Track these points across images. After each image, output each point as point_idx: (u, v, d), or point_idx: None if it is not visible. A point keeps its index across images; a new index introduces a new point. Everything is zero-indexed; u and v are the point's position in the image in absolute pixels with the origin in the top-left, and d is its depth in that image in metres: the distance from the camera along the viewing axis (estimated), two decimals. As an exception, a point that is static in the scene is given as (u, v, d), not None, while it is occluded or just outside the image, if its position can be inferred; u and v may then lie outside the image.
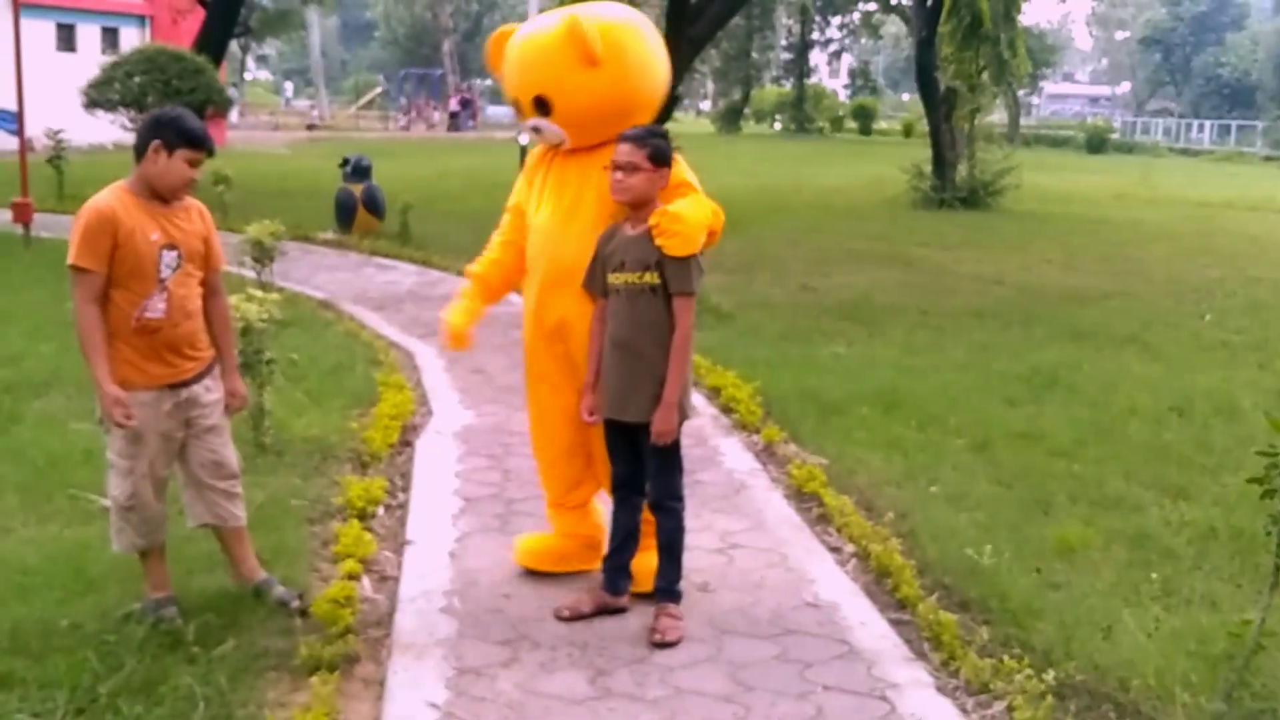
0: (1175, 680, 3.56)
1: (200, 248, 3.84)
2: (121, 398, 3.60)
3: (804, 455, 5.94)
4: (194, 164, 3.74)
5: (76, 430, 5.72)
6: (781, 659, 3.81)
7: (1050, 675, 3.61)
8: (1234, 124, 55.17)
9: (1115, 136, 51.27)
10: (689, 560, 4.19)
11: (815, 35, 60.94)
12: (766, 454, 6.04)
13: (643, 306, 3.91)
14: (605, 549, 4.18)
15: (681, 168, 4.04)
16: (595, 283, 4.02)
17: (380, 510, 5.08)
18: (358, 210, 13.81)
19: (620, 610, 4.08)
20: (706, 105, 70.29)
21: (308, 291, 10.20)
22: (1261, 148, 48.08)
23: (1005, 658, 3.75)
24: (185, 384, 3.82)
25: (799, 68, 58.09)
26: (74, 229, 3.67)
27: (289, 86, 70.86)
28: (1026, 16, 25.55)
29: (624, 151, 3.89)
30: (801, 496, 5.39)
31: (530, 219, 4.21)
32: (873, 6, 54.70)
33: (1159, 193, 24.65)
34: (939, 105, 21.44)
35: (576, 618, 4.03)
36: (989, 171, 20.85)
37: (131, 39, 29.11)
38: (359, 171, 13.91)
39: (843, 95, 67.05)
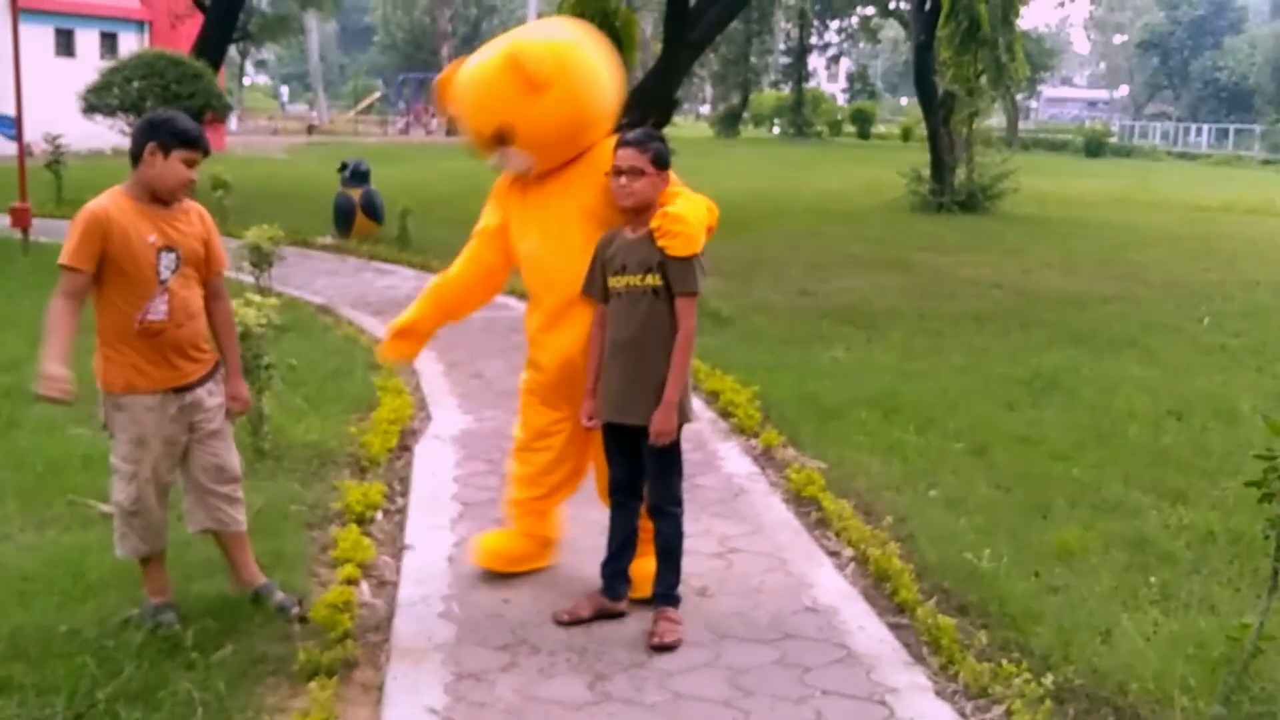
0: (1174, 684, 3.56)
1: (199, 250, 3.84)
2: (59, 376, 3.50)
3: (803, 459, 5.94)
4: (191, 164, 3.75)
5: (75, 436, 5.72)
6: (780, 663, 3.81)
7: (1049, 679, 3.61)
8: (1232, 128, 55.23)
9: (1113, 140, 51.38)
10: (687, 565, 4.19)
11: (813, 39, 61.05)
12: (765, 458, 6.05)
13: (645, 308, 3.92)
14: (605, 553, 4.18)
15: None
16: (594, 287, 4.02)
17: (379, 515, 5.08)
18: (356, 215, 13.82)
19: (619, 615, 4.08)
20: (705, 109, 70.35)
21: (306, 296, 10.20)
22: (1259, 151, 48.15)
23: (1004, 662, 3.75)
24: (189, 388, 3.82)
25: (797, 72, 58.16)
26: (69, 231, 3.69)
27: (285, 91, 70.83)
28: (1024, 20, 25.61)
29: (627, 156, 3.90)
30: (800, 501, 5.39)
31: (517, 250, 4.21)
32: (871, 11, 54.84)
33: (1157, 196, 24.69)
34: (937, 109, 21.46)
35: (575, 622, 4.03)
36: (987, 175, 20.87)
37: (130, 44, 29.14)
38: (358, 176, 13.92)
39: (841, 99, 67.11)
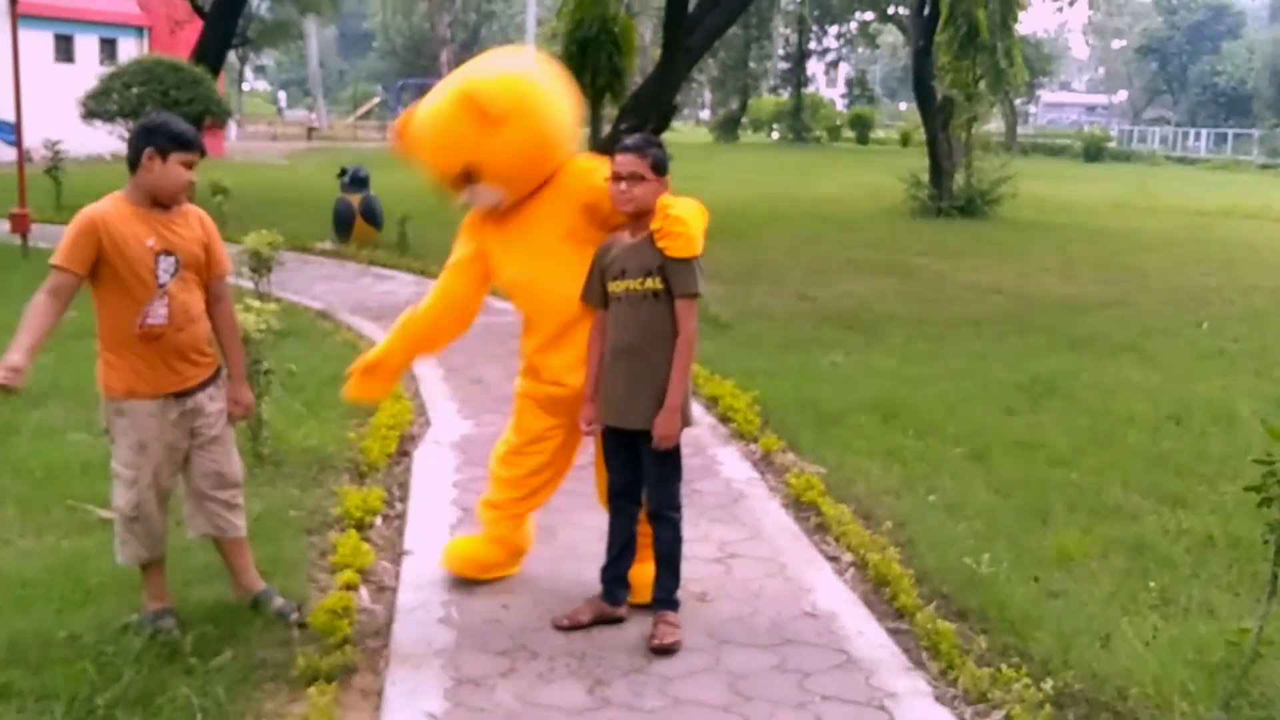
0: (1173, 689, 3.56)
1: (199, 254, 3.84)
2: (13, 365, 3.47)
3: (802, 464, 5.94)
4: (189, 166, 3.76)
5: (74, 441, 5.73)
6: (780, 669, 3.81)
7: (1048, 684, 3.61)
8: (1230, 132, 55.33)
9: (1112, 145, 51.44)
10: (686, 570, 4.19)
11: (812, 45, 61.17)
12: (764, 463, 6.05)
13: (646, 312, 3.92)
14: (604, 558, 4.18)
15: None
16: (593, 294, 4.02)
17: (378, 520, 5.08)
18: (355, 220, 13.84)
19: (618, 620, 4.08)
20: (704, 115, 70.42)
21: (305, 302, 10.21)
22: (1258, 156, 48.20)
23: (1003, 667, 3.75)
24: (189, 393, 3.82)
25: (796, 77, 58.24)
26: (64, 233, 3.71)
27: (283, 96, 70.82)
28: (1023, 26, 25.65)
29: (627, 162, 3.90)
30: (799, 505, 5.39)
31: (501, 278, 4.21)
32: (870, 16, 54.94)
33: (1156, 201, 24.72)
34: (936, 114, 21.48)
35: (575, 627, 4.03)
36: (986, 180, 20.89)
37: (129, 49, 29.16)
38: (357, 182, 13.93)
39: (840, 104, 67.17)
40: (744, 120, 57.99)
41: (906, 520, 5.09)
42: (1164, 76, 74.60)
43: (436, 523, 5.06)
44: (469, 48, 62.90)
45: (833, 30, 61.48)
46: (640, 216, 3.94)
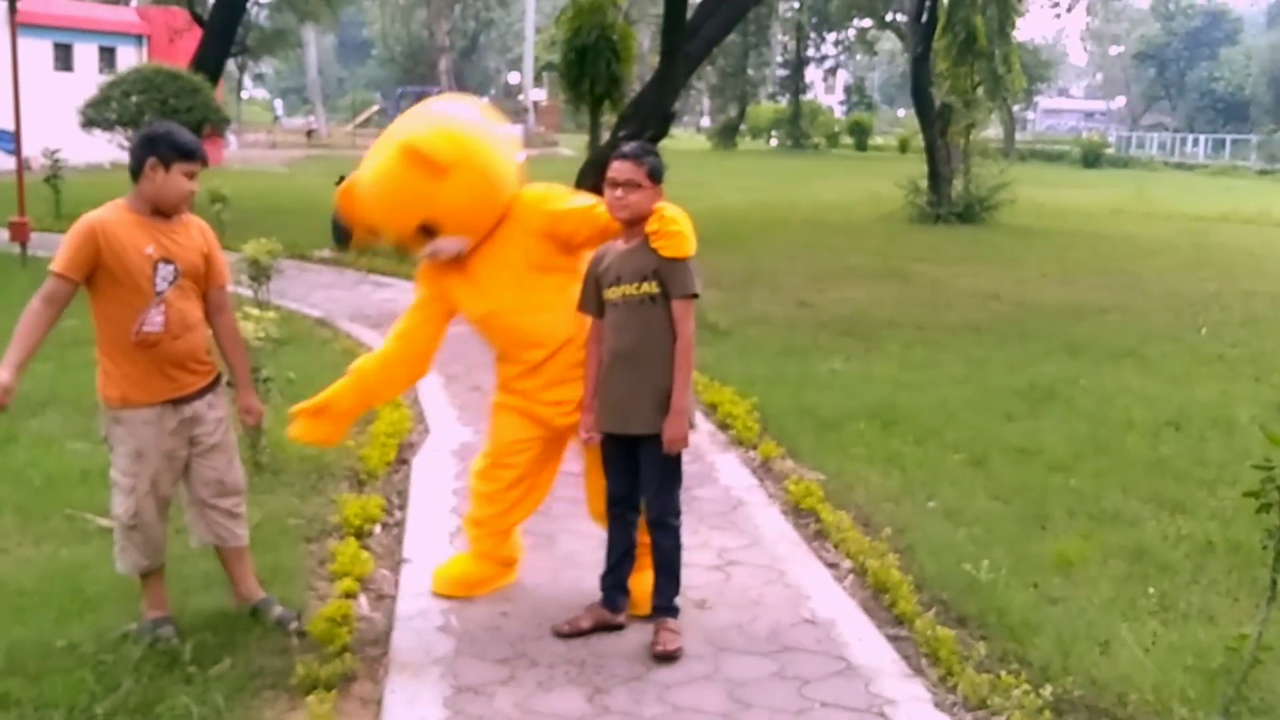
0: (1173, 695, 3.56)
1: (199, 263, 3.85)
2: (5, 383, 3.51)
3: (801, 471, 5.94)
4: (191, 176, 3.77)
5: (73, 450, 5.72)
6: (779, 676, 3.81)
7: (1048, 690, 3.61)
8: (1228, 138, 55.35)
9: (1110, 151, 51.39)
10: (686, 577, 4.18)
11: (811, 52, 61.19)
12: (764, 470, 6.05)
13: (644, 316, 3.93)
14: (604, 566, 4.18)
15: None
16: (590, 303, 4.03)
17: (377, 528, 5.08)
18: (354, 228, 13.81)
19: (618, 627, 4.08)
20: (703, 122, 70.45)
21: (304, 310, 10.20)
22: (1256, 162, 48.22)
23: (1003, 673, 3.75)
24: (187, 400, 3.82)
25: (794, 84, 58.29)
26: (64, 240, 3.72)
27: (280, 104, 70.81)
28: (1021, 32, 25.65)
29: (624, 169, 3.91)
30: (799, 512, 5.39)
31: (470, 316, 4.21)
32: (868, 23, 54.97)
33: (1154, 207, 24.73)
34: (934, 121, 21.50)
35: (575, 634, 4.03)
36: (984, 186, 20.90)
37: (129, 58, 29.16)
38: (356, 189, 13.90)
39: (838, 111, 67.23)
40: (742, 127, 58.02)
41: (906, 527, 5.09)
42: (1162, 82, 74.65)
43: (436, 531, 5.06)
44: (468, 55, 63.08)
45: (831, 37, 61.49)
46: (635, 223, 3.95)
